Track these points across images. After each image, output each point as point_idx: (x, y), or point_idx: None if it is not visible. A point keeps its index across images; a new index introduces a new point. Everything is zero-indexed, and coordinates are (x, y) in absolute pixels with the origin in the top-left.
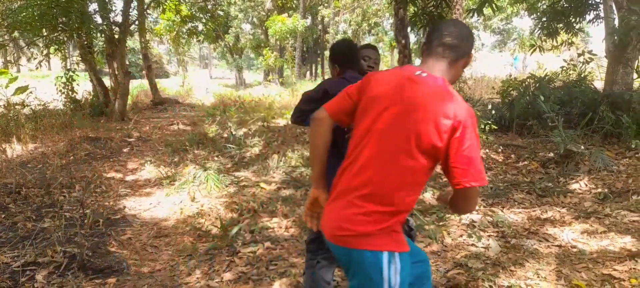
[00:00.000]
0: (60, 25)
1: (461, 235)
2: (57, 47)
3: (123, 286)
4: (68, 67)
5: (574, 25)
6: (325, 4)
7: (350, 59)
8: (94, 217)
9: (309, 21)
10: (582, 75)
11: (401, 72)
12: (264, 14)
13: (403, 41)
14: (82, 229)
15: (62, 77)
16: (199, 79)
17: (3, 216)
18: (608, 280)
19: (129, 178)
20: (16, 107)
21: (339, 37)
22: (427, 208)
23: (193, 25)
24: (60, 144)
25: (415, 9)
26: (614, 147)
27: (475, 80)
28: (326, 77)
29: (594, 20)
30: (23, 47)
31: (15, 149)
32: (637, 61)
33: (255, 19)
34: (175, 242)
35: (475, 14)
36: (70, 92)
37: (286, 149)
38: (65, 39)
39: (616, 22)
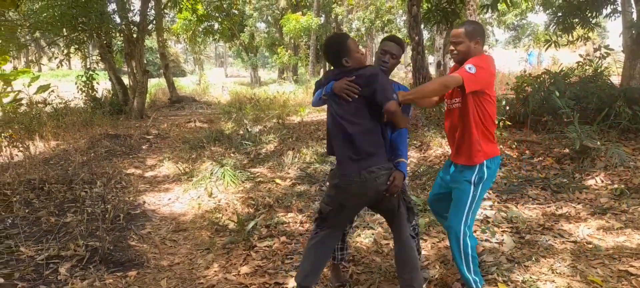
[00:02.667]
0: (80, 25)
1: (475, 231)
2: (77, 46)
3: (143, 279)
4: (88, 66)
5: (590, 19)
6: (339, 2)
7: (326, 57)
8: (114, 212)
9: (322, 19)
10: (599, 71)
11: None
12: (278, 12)
13: (416, 38)
14: (104, 224)
15: (82, 76)
16: (215, 77)
17: (27, 211)
18: (624, 276)
19: (148, 174)
20: (38, 105)
21: (353, 34)
22: None
23: (209, 24)
24: (81, 141)
25: (429, 5)
26: (630, 143)
27: None
28: None
29: (611, 14)
30: (44, 47)
31: (38, 146)
32: None
33: (269, 18)
34: (193, 237)
35: (489, 10)
36: (90, 91)
37: (301, 146)
38: (85, 38)
39: (634, 16)
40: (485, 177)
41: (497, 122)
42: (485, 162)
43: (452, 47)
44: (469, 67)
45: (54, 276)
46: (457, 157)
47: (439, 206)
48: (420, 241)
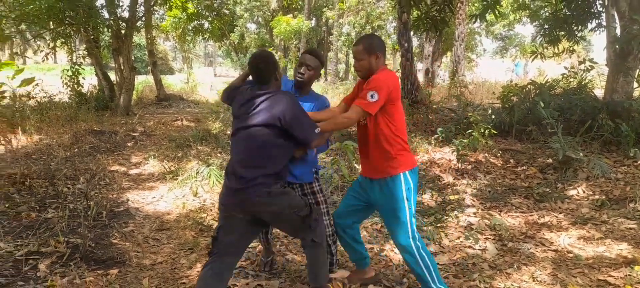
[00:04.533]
0: (67, 18)
1: (459, 237)
2: (63, 40)
3: (125, 277)
4: (74, 61)
5: (576, 33)
6: (330, 6)
7: (257, 70)
8: (97, 209)
9: (313, 22)
10: (583, 83)
11: None
12: (269, 14)
13: (406, 44)
14: (86, 220)
15: (68, 70)
16: (203, 77)
17: (7, 205)
18: (603, 286)
19: (133, 171)
20: (22, 98)
21: (343, 39)
22: (425, 209)
23: (199, 23)
24: (65, 136)
25: (419, 13)
26: (612, 155)
27: (476, 85)
28: (329, 78)
29: (596, 28)
30: (30, 40)
31: (20, 140)
32: (637, 70)
33: (260, 19)
34: (177, 236)
35: (478, 20)
36: (75, 86)
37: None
38: (72, 32)
39: (618, 31)
40: (412, 186)
41: (483, 130)
42: (407, 172)
43: (354, 64)
44: (370, 95)
45: (33, 272)
46: (377, 172)
47: (347, 219)
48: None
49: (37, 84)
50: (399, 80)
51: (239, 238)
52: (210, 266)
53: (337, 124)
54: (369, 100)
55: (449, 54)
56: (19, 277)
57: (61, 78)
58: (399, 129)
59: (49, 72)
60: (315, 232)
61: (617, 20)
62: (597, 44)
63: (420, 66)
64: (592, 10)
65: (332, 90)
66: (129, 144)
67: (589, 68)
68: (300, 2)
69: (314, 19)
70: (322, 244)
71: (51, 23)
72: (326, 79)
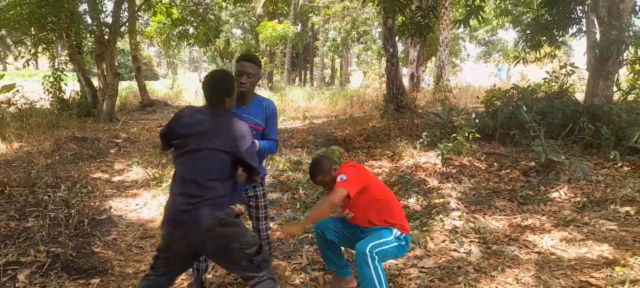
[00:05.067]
0: (49, 24)
1: (444, 241)
2: (45, 46)
3: (107, 286)
4: (56, 67)
5: (557, 38)
6: (316, 12)
7: (210, 91)
8: (79, 217)
9: (299, 28)
10: (564, 87)
11: None
12: (254, 19)
13: (391, 50)
14: (67, 229)
15: (49, 76)
16: (188, 82)
17: None
18: (585, 287)
19: (116, 179)
20: (2, 105)
21: (329, 44)
22: (411, 213)
23: (184, 28)
24: (46, 144)
25: (404, 19)
26: (593, 158)
27: (460, 89)
28: (315, 83)
29: (577, 34)
30: (10, 45)
31: None
32: (617, 74)
33: (246, 24)
34: None
35: (462, 25)
36: (57, 92)
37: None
38: (54, 38)
39: (598, 36)
40: (396, 245)
41: (467, 135)
42: (401, 234)
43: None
44: (340, 177)
45: (12, 283)
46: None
47: (332, 236)
48: None
49: (17, 91)
50: (385, 87)
51: (182, 263)
52: (152, 279)
53: (326, 209)
54: (341, 182)
55: (433, 58)
56: None
57: (43, 84)
58: (386, 210)
59: (31, 77)
60: (269, 270)
61: (597, 26)
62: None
63: (405, 71)
64: (573, 16)
65: (318, 95)
66: (112, 151)
67: (570, 72)
68: (286, 8)
69: (299, 24)
70: (274, 278)
71: (33, 29)
72: (312, 84)
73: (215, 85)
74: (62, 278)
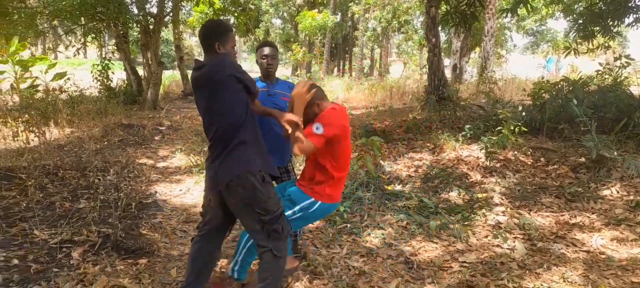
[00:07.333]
0: (98, 14)
1: (486, 236)
2: (94, 35)
3: (153, 267)
4: (104, 56)
5: (612, 28)
6: (356, 1)
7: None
8: (127, 200)
9: (338, 17)
10: (618, 80)
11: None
12: (294, 9)
13: (433, 40)
14: (116, 211)
15: (98, 65)
16: None
17: (41, 195)
18: None
19: (160, 164)
20: (54, 92)
21: (368, 34)
22: (452, 207)
23: (225, 18)
24: (95, 129)
25: (448, 7)
26: None
27: (505, 81)
28: (353, 74)
29: (633, 23)
30: (61, 35)
31: (53, 133)
32: None
33: (285, 14)
34: None
35: (509, 14)
36: (105, 80)
37: None
38: (103, 28)
39: None
40: (309, 212)
41: (513, 128)
42: (319, 202)
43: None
44: (316, 127)
45: (67, 260)
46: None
47: None
48: (431, 242)
49: (68, 78)
50: (426, 78)
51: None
52: (199, 239)
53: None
54: (315, 132)
55: (477, 49)
56: (54, 263)
57: (91, 72)
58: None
59: (79, 66)
60: (276, 245)
61: None
62: (633, 39)
63: (447, 62)
64: (629, 5)
65: (356, 86)
66: (156, 138)
67: (625, 64)
68: None
69: (339, 14)
70: (280, 259)
71: (83, 19)
72: (351, 75)
73: (203, 33)
74: (112, 257)
